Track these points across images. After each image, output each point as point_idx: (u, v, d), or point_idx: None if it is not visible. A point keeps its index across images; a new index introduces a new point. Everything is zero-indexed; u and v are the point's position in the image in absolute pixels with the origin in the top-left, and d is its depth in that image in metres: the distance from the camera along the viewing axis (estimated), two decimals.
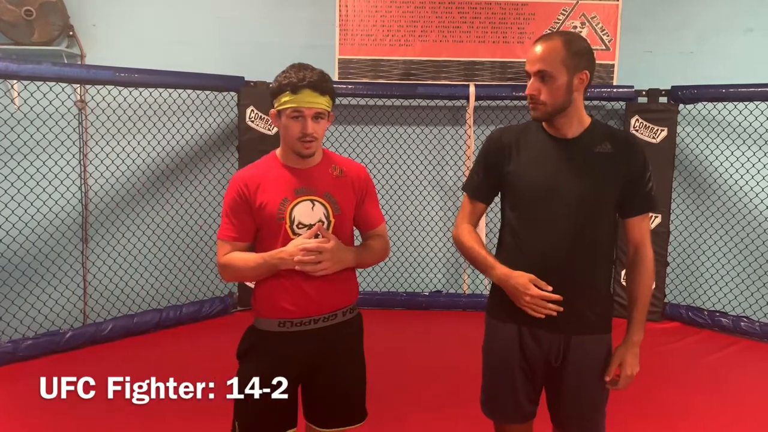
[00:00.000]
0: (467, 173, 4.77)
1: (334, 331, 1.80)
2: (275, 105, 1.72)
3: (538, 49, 1.64)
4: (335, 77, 4.83)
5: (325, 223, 1.76)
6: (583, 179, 1.66)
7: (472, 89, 4.64)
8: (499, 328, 1.79)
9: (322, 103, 1.69)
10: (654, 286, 1.80)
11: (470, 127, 4.72)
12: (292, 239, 1.72)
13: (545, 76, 1.63)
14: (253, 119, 4.50)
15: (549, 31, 4.72)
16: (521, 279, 1.66)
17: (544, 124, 1.74)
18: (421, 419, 2.94)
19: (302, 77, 1.66)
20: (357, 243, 1.94)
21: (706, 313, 4.46)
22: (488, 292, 1.87)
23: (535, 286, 1.64)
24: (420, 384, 3.35)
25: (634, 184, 1.69)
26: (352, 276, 1.88)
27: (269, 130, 4.55)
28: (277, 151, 1.82)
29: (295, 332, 1.75)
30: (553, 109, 1.66)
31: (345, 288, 1.83)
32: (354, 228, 1.94)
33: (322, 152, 1.83)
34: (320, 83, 1.68)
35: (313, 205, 1.75)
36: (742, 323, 4.27)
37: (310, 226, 1.73)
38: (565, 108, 1.66)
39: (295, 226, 1.73)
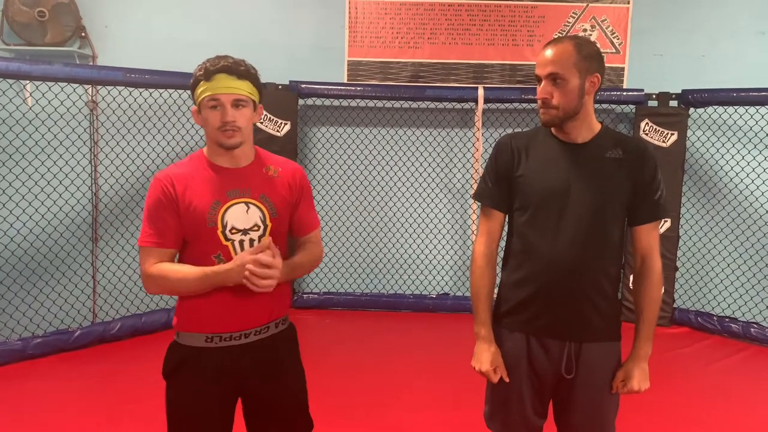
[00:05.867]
0: (475, 176, 4.78)
1: (267, 344, 1.69)
2: (195, 100, 1.61)
3: (549, 52, 1.63)
4: (344, 79, 4.85)
5: (261, 227, 1.62)
6: (594, 184, 1.65)
7: (480, 92, 4.63)
8: (506, 337, 1.75)
9: (241, 87, 1.57)
10: (661, 297, 1.76)
11: (479, 129, 4.71)
12: (225, 245, 1.59)
13: (557, 79, 1.60)
14: (262, 120, 4.51)
15: (558, 35, 4.72)
16: (485, 364, 1.72)
17: (553, 129, 1.71)
18: (425, 422, 2.93)
19: (216, 62, 1.56)
20: None
21: (715, 318, 4.42)
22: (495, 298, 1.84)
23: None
24: (426, 386, 3.34)
25: (643, 190, 1.67)
26: (286, 285, 1.75)
27: (278, 131, 4.56)
28: (205, 150, 1.67)
29: (224, 347, 1.63)
30: (565, 113, 1.63)
31: (277, 298, 1.70)
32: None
33: (254, 151, 1.71)
34: (235, 67, 1.57)
35: (248, 207, 1.61)
36: (752, 329, 4.23)
37: (244, 231, 1.60)
38: (576, 112, 1.64)
39: (227, 232, 1.58)
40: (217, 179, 1.61)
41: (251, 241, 1.60)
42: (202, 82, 1.56)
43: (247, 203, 1.61)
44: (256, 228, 1.62)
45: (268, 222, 1.63)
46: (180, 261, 1.65)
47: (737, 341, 4.24)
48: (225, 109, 1.56)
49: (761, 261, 4.54)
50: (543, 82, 1.64)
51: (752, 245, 4.56)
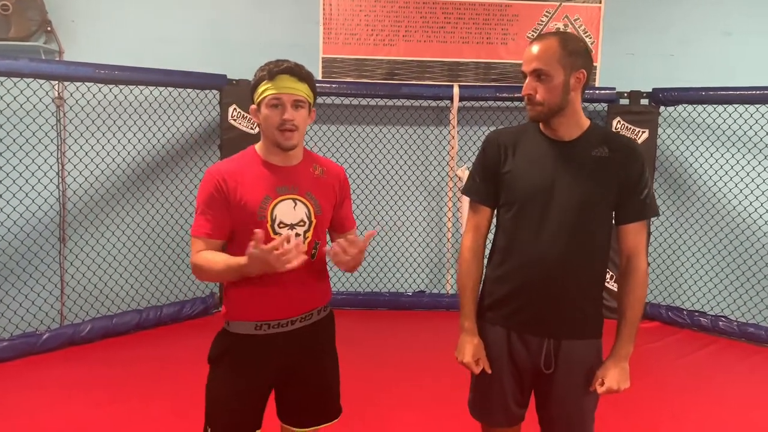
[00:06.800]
0: (451, 174, 4.79)
1: (310, 330, 1.78)
2: (255, 99, 1.69)
3: (534, 48, 1.63)
4: (319, 76, 4.81)
5: (307, 223, 1.72)
6: (578, 182, 1.65)
7: (456, 90, 4.65)
8: (487, 330, 1.78)
9: (301, 89, 1.66)
10: (645, 298, 1.74)
11: (454, 127, 4.72)
12: (273, 238, 1.62)
13: (541, 75, 1.61)
14: (235, 118, 4.45)
15: (532, 34, 4.76)
16: (467, 356, 1.74)
17: (541, 126, 1.72)
18: (405, 419, 2.93)
19: (279, 64, 1.65)
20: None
21: (685, 312, 4.52)
22: None
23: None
24: (404, 384, 3.34)
25: (629, 189, 1.66)
26: (326, 275, 1.86)
27: (252, 128, 4.51)
28: (257, 147, 1.76)
29: (273, 334, 1.72)
30: (550, 109, 1.64)
31: (320, 287, 1.82)
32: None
33: (303, 151, 1.80)
34: (297, 69, 1.66)
35: (295, 204, 1.70)
36: (720, 323, 4.33)
37: (291, 226, 1.69)
38: (562, 108, 1.64)
39: (276, 225, 1.67)
40: (268, 176, 1.70)
41: (297, 235, 1.69)
42: (265, 82, 1.65)
43: (294, 200, 1.71)
44: (302, 223, 1.71)
45: (312, 218, 1.73)
46: (230, 252, 1.71)
47: (706, 335, 4.34)
48: (285, 107, 1.64)
49: (729, 256, 4.64)
50: (528, 78, 1.65)
51: (720, 240, 4.67)
